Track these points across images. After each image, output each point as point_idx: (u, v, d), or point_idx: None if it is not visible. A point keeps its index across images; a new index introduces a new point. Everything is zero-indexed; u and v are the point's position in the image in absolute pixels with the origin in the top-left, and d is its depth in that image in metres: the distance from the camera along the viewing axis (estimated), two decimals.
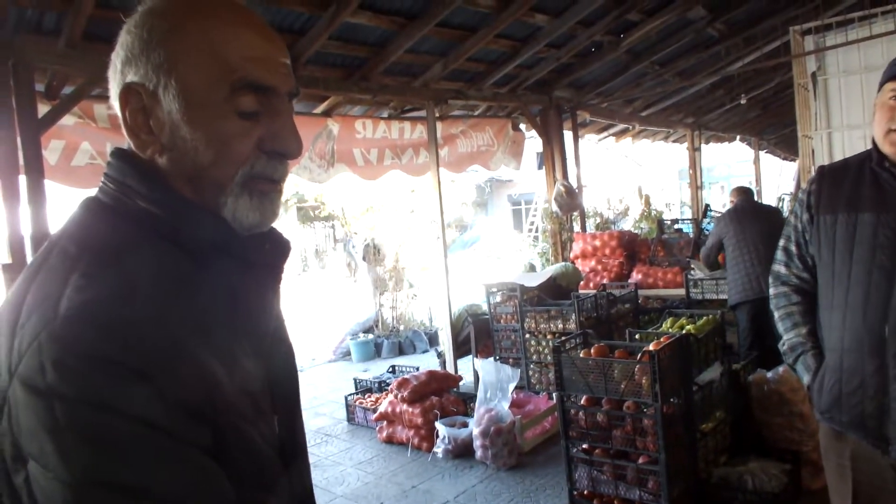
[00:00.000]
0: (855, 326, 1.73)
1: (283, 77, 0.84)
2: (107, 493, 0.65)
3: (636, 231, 8.65)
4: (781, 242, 2.02)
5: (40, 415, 0.65)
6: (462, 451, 4.51)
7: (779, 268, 2.03)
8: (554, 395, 4.06)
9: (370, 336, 8.53)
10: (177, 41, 0.79)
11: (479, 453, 4.39)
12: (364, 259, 5.42)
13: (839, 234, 1.79)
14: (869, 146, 1.83)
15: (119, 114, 0.82)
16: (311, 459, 4.73)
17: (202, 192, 0.83)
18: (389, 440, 4.94)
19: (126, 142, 0.86)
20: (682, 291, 5.77)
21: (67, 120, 3.83)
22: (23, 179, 3.36)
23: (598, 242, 6.67)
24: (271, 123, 0.83)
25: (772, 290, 2.05)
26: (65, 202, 3.96)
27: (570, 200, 6.95)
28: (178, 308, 0.74)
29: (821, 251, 1.85)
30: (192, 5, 0.81)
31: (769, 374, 3.71)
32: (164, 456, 0.67)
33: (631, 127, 9.25)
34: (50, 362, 0.66)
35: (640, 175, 18.34)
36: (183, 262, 0.79)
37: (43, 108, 3.62)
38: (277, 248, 0.93)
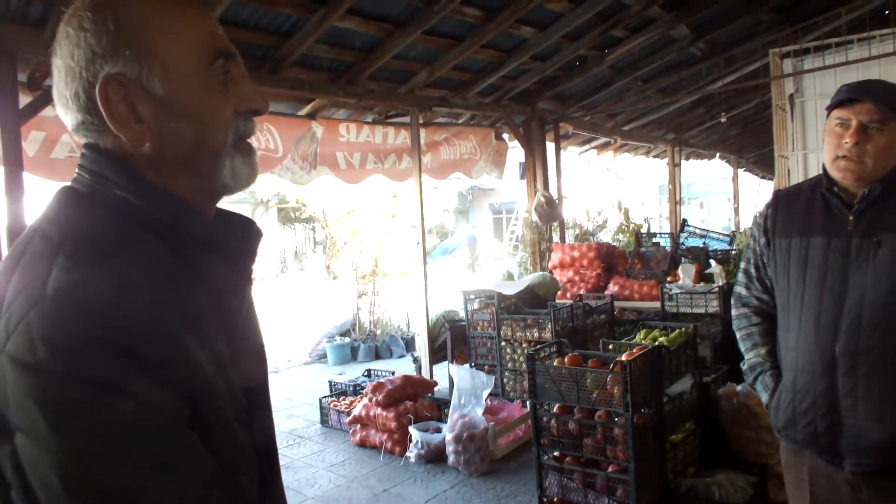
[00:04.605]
0: (808, 347, 1.79)
1: (231, 43, 0.90)
2: (96, 462, 0.67)
3: (614, 243, 8.72)
4: (742, 265, 2.09)
5: (31, 389, 0.67)
6: (435, 457, 4.52)
7: (740, 289, 2.09)
8: (527, 402, 4.09)
9: (347, 339, 8.50)
10: (150, 27, 0.82)
11: (451, 459, 4.40)
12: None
13: (793, 257, 1.84)
14: None
15: (102, 110, 0.81)
16: (283, 461, 4.74)
17: (199, 164, 0.87)
18: (362, 443, 4.93)
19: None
20: (657, 304, 5.83)
21: (49, 111, 3.79)
22: (1, 170, 3.33)
23: (576, 253, 6.71)
24: (238, 87, 0.89)
25: (733, 311, 2.10)
26: (42, 194, 3.92)
27: (550, 211, 7.01)
28: (161, 293, 0.76)
29: (777, 274, 1.91)
30: None
31: (738, 388, 3.78)
32: (151, 428, 0.70)
33: (612, 141, 9.35)
34: (40, 339, 0.68)
35: (621, 188, 18.51)
36: (161, 249, 0.82)
37: (24, 99, 3.58)
38: (249, 235, 0.96)
